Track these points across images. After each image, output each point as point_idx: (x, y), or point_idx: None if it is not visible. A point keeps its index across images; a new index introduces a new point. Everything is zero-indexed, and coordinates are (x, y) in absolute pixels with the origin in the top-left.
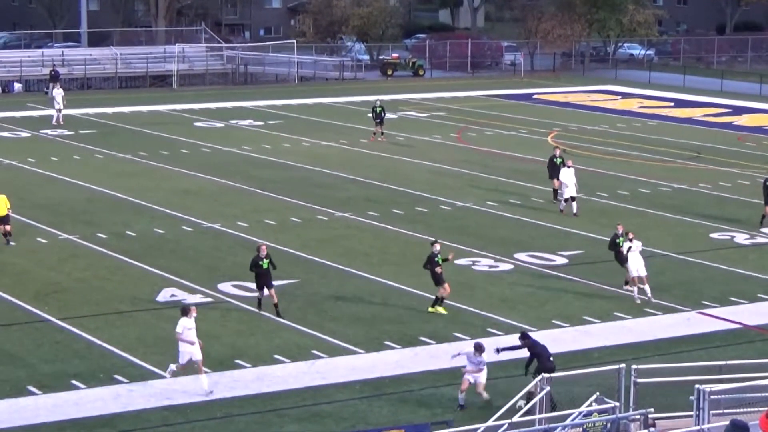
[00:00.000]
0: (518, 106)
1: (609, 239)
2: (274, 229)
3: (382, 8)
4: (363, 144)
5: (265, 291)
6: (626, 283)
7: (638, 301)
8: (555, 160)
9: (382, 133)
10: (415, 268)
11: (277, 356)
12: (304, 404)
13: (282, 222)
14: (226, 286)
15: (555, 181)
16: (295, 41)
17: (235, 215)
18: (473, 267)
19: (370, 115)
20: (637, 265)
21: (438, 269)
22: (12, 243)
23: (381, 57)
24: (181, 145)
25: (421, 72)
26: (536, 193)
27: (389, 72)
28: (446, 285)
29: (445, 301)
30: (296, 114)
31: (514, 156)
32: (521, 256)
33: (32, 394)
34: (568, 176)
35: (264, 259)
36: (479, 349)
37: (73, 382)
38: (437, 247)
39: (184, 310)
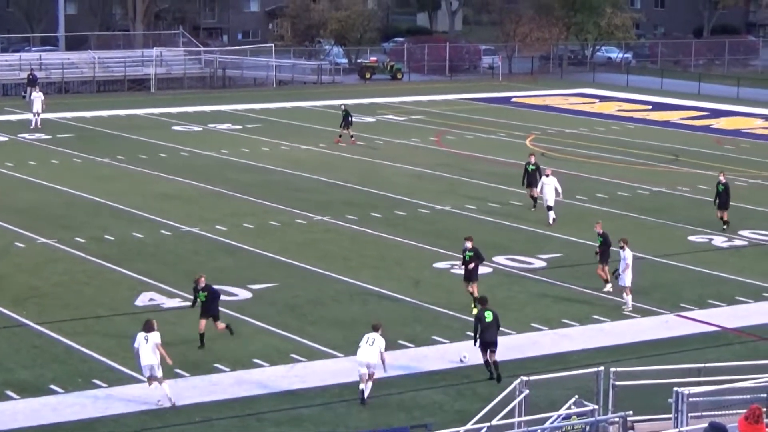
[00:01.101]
0: (497, 110)
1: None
2: (252, 232)
3: (360, 12)
4: (341, 147)
5: (219, 324)
6: (606, 282)
7: (623, 309)
8: (528, 167)
9: (351, 136)
10: (394, 272)
11: (256, 360)
12: (283, 408)
13: (261, 226)
14: None
15: (533, 189)
16: (273, 45)
17: (214, 219)
18: (452, 270)
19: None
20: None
21: (464, 266)
22: None
23: (359, 60)
24: (160, 149)
25: (399, 75)
26: (515, 197)
27: (367, 75)
28: (472, 285)
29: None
30: (274, 118)
31: (493, 159)
32: (500, 259)
33: (10, 398)
34: (549, 185)
35: (200, 292)
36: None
37: (52, 386)
38: (468, 244)
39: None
